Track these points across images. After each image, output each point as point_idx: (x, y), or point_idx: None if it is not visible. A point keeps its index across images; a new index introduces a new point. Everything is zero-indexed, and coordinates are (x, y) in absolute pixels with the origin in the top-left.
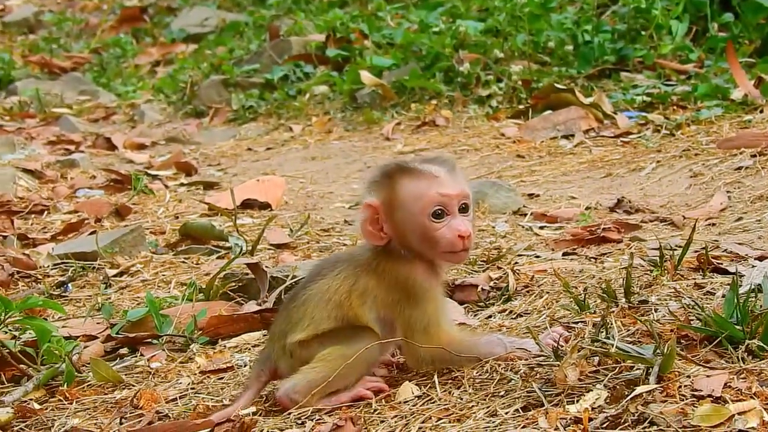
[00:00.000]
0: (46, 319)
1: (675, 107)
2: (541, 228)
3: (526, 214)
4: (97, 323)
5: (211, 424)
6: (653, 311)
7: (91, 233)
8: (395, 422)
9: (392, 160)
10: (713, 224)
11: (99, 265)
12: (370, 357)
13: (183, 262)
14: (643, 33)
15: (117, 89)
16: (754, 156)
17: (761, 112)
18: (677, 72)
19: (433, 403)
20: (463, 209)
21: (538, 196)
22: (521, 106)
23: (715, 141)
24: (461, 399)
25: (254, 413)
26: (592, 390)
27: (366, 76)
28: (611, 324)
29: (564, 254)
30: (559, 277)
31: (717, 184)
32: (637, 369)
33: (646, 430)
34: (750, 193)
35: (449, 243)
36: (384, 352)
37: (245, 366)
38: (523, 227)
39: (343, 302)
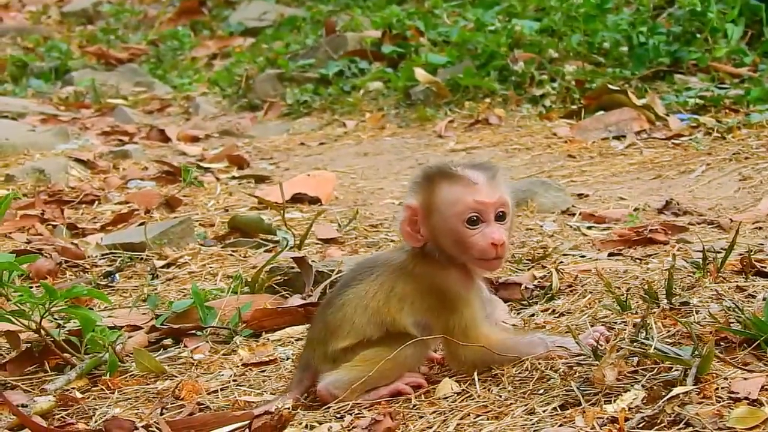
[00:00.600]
0: (92, 309)
1: (727, 110)
2: (589, 228)
3: (574, 214)
4: (143, 314)
5: (251, 416)
6: (694, 313)
7: (140, 224)
8: (434, 418)
9: (436, 162)
10: (760, 228)
11: (147, 256)
12: (412, 357)
13: (231, 254)
14: (698, 36)
15: (173, 81)
16: None
17: None
18: (731, 75)
19: (472, 399)
20: (500, 217)
21: (587, 196)
22: (574, 107)
23: (765, 145)
24: (500, 396)
25: (293, 408)
26: (629, 390)
27: (420, 73)
28: (651, 325)
29: (609, 255)
30: (602, 277)
31: (766, 188)
32: (675, 370)
33: (682, 431)
34: None
35: (482, 250)
36: (425, 352)
37: (288, 359)
38: (570, 227)
39: (381, 308)
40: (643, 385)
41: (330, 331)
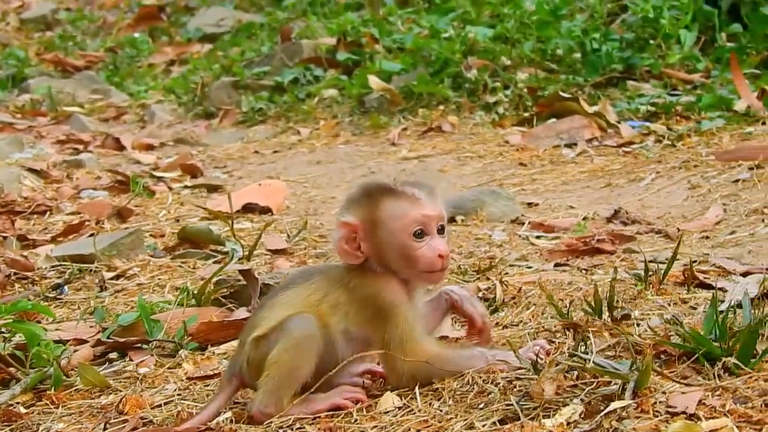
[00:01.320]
0: (40, 322)
1: (678, 117)
2: (538, 237)
3: (524, 223)
4: (90, 326)
5: (194, 430)
6: (635, 326)
7: (90, 235)
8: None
9: (372, 180)
10: (707, 237)
11: (96, 267)
12: (311, 340)
13: (180, 266)
14: (651, 42)
15: (129, 89)
16: (752, 169)
17: (763, 124)
18: (684, 82)
19: (413, 414)
20: (440, 230)
21: (537, 205)
22: (526, 114)
23: (714, 153)
24: (440, 411)
25: (234, 420)
26: (568, 404)
27: (374, 80)
28: (590, 338)
29: (556, 265)
30: (544, 290)
31: (714, 196)
32: (614, 384)
33: None
34: (746, 206)
35: (429, 263)
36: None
37: None
38: (519, 236)
39: (309, 308)
40: (582, 399)
41: (253, 328)
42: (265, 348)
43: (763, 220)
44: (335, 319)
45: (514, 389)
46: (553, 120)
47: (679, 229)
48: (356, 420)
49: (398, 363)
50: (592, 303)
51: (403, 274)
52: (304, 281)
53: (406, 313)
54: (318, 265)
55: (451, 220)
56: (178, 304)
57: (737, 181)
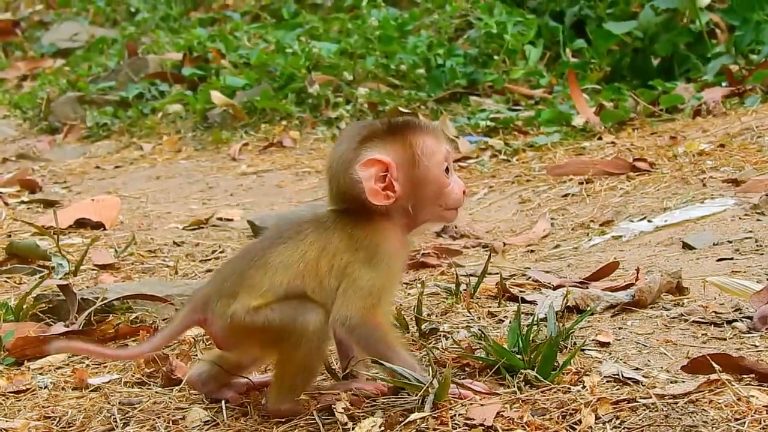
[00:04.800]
0: None
1: (517, 132)
2: None
3: None
4: None
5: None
6: (443, 339)
7: None
8: None
9: (391, 116)
10: (532, 251)
11: None
12: (323, 335)
13: (5, 281)
14: (495, 58)
15: None
16: (582, 183)
17: (600, 138)
18: (525, 97)
19: (219, 429)
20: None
21: None
22: None
23: (546, 167)
24: (246, 425)
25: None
26: (368, 417)
27: (216, 95)
28: None
29: None
30: None
31: (543, 210)
32: (415, 396)
33: None
34: (573, 220)
35: (457, 198)
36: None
37: (45, 388)
38: None
39: (309, 270)
40: (383, 411)
41: (246, 287)
42: (261, 320)
43: (587, 234)
44: (331, 275)
45: (316, 404)
46: None
47: (504, 243)
48: None
49: (351, 309)
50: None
51: (424, 215)
52: (295, 235)
53: (394, 270)
54: (301, 213)
55: None
56: None
57: (567, 195)
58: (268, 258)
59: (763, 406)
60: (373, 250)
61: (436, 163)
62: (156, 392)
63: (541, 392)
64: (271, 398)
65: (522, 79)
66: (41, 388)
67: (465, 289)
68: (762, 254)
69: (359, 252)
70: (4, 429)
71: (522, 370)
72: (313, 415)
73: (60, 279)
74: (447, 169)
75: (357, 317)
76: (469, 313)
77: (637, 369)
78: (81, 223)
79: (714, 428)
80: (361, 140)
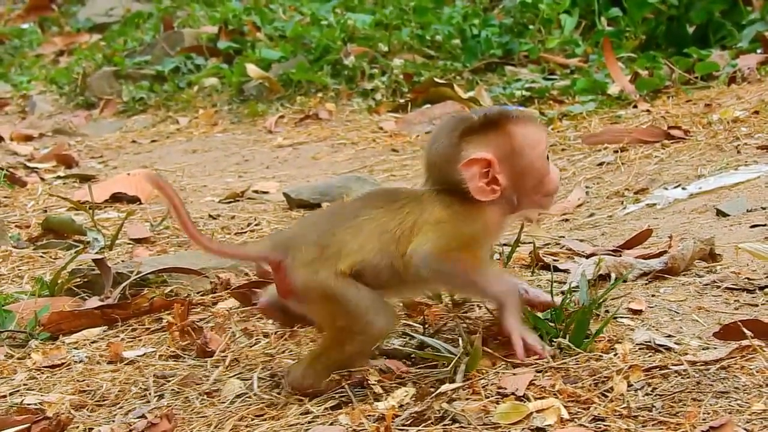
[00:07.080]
0: None
1: (552, 102)
2: None
3: None
4: None
5: (31, 420)
6: (477, 308)
7: None
8: (213, 419)
9: (482, 110)
10: (566, 220)
11: None
12: (382, 335)
13: (41, 256)
14: (530, 27)
15: (13, 80)
16: (617, 152)
17: (635, 107)
18: (561, 66)
19: (251, 400)
20: None
21: None
22: (402, 100)
23: (581, 136)
24: (278, 397)
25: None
26: (400, 388)
27: (252, 68)
28: (428, 322)
29: None
30: None
31: (578, 179)
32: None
33: (448, 427)
34: (608, 188)
35: (556, 185)
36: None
37: (80, 362)
38: None
39: (404, 238)
40: (414, 383)
41: (336, 245)
42: (341, 290)
43: (622, 202)
44: (422, 241)
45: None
46: (427, 106)
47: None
48: (195, 408)
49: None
50: None
51: (525, 203)
52: (389, 203)
53: (483, 245)
54: (395, 189)
55: (317, 205)
56: (31, 294)
57: (602, 164)
58: (361, 222)
59: None
60: (470, 223)
61: (539, 153)
62: (189, 365)
63: (574, 360)
64: (299, 371)
65: (557, 48)
66: (76, 362)
67: (498, 258)
68: None
69: (457, 220)
70: (40, 403)
71: (555, 339)
72: (344, 388)
73: (95, 253)
74: (547, 156)
75: (435, 253)
76: None
77: (669, 336)
78: (117, 198)
79: (745, 394)
80: (460, 135)
